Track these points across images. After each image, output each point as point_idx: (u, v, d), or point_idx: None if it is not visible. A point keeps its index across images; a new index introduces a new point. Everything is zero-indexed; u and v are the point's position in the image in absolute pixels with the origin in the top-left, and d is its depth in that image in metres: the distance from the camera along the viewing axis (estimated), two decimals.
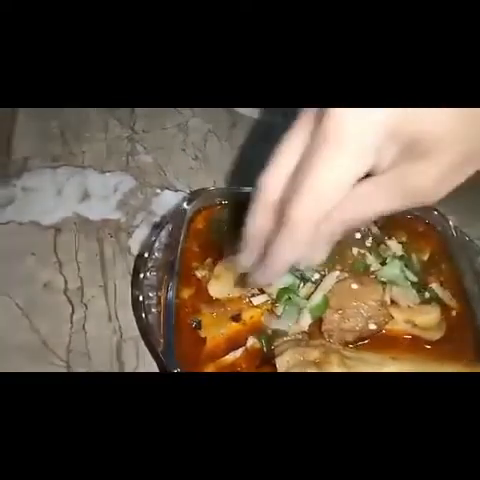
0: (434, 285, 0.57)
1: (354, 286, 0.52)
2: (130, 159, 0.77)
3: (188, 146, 0.81)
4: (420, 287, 0.56)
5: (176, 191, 0.73)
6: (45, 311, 0.59)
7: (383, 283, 0.53)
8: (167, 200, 0.72)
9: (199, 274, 0.55)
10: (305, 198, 0.30)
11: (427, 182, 0.31)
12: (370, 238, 0.58)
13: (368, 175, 0.31)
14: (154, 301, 0.50)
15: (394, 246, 0.59)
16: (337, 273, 0.53)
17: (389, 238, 0.60)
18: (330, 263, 0.55)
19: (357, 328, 0.50)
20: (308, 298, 0.52)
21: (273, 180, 0.33)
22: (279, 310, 0.52)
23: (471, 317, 0.55)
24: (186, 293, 0.54)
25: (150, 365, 0.54)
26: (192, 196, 0.61)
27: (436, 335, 0.53)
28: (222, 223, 0.60)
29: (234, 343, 0.51)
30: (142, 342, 0.56)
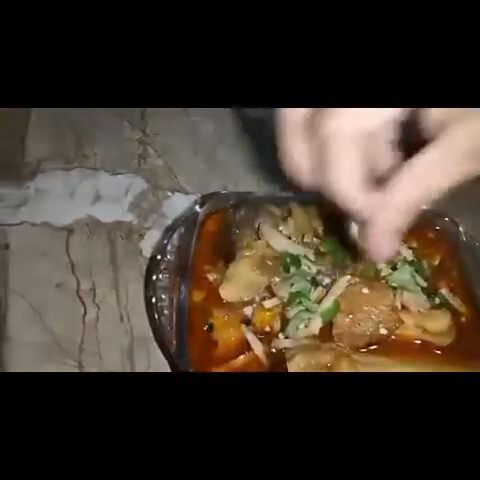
0: (444, 291, 0.57)
1: (365, 291, 0.52)
2: (142, 162, 0.78)
3: (199, 149, 0.82)
4: (430, 292, 0.56)
5: (187, 194, 0.74)
6: (58, 311, 0.60)
7: (393, 288, 0.53)
8: (178, 203, 0.73)
9: (211, 277, 0.56)
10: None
11: None
12: None
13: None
14: (166, 303, 0.51)
15: (404, 251, 0.59)
16: (348, 277, 0.53)
17: (400, 244, 0.60)
18: (341, 268, 0.55)
19: (368, 332, 0.50)
20: (319, 302, 0.52)
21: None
22: (290, 314, 0.52)
23: None
24: (198, 296, 0.55)
25: (161, 366, 0.55)
26: (204, 199, 0.61)
27: (446, 340, 0.53)
28: (233, 226, 0.60)
29: (245, 346, 0.51)
30: (153, 343, 0.56)
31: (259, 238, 0.57)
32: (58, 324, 0.58)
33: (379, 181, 0.35)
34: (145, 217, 0.71)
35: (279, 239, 0.56)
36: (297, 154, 0.35)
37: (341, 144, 0.32)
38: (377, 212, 0.34)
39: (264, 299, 0.54)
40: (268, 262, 0.55)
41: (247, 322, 0.53)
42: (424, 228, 0.64)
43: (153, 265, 0.55)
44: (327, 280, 0.54)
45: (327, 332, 0.52)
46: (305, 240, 0.59)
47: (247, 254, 0.55)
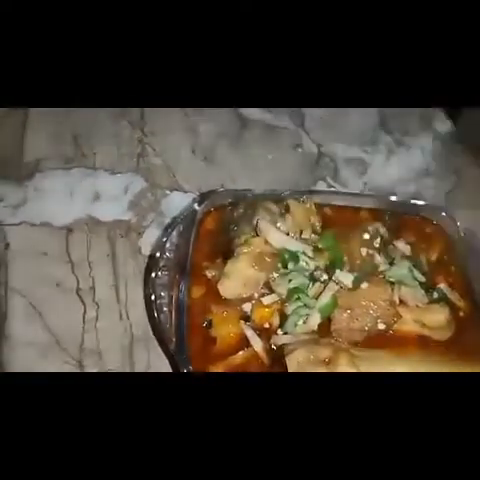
0: (442, 285, 0.57)
1: (363, 286, 0.52)
2: (140, 161, 0.79)
3: (197, 148, 0.82)
4: (428, 287, 0.56)
5: (185, 192, 0.74)
6: (58, 310, 0.60)
7: (391, 283, 0.54)
8: (176, 201, 0.73)
9: (209, 274, 0.56)
10: None
11: None
12: (378, 239, 0.58)
13: None
14: (166, 300, 0.51)
15: (402, 247, 0.59)
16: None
17: (397, 239, 0.60)
18: (339, 263, 0.55)
19: (366, 327, 0.51)
20: (317, 298, 0.53)
21: None
22: (289, 310, 0.52)
23: (479, 317, 0.55)
24: (197, 293, 0.55)
25: (161, 363, 0.55)
26: (202, 197, 0.62)
27: (445, 335, 0.53)
28: (232, 223, 0.61)
29: (244, 342, 0.51)
30: (153, 341, 0.57)
31: (257, 235, 0.57)
32: (58, 323, 0.59)
33: None
34: (144, 215, 0.71)
35: (277, 235, 0.56)
36: None
37: None
38: None
39: (263, 295, 0.54)
40: (266, 258, 0.55)
41: (246, 318, 0.53)
42: (422, 223, 0.64)
43: (152, 263, 0.56)
44: (325, 276, 0.54)
45: (326, 327, 0.52)
46: (303, 236, 0.59)
47: (245, 251, 0.55)
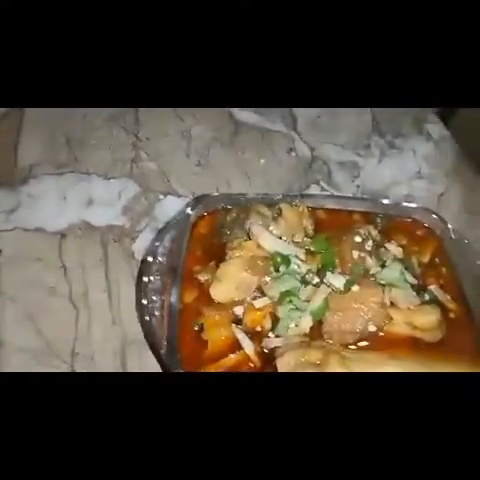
0: (433, 287, 0.57)
1: (354, 288, 0.52)
2: (134, 166, 0.79)
3: (191, 153, 0.82)
4: (419, 289, 0.56)
5: (179, 197, 0.75)
6: (50, 315, 0.60)
7: (383, 285, 0.54)
8: (170, 206, 0.73)
9: (202, 278, 0.56)
10: None
11: None
12: (370, 241, 0.58)
13: None
14: (158, 305, 0.51)
15: (394, 249, 0.59)
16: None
17: (389, 241, 0.61)
18: (331, 266, 0.55)
19: (357, 330, 0.51)
20: (309, 301, 0.53)
21: None
22: (280, 313, 0.52)
23: (470, 319, 0.56)
24: (189, 297, 0.55)
25: (153, 368, 0.55)
26: (195, 202, 0.62)
27: (436, 336, 0.53)
28: (225, 227, 0.61)
29: (236, 345, 0.51)
30: (146, 345, 0.56)
31: (249, 239, 0.57)
32: (51, 328, 0.59)
33: None
34: (137, 220, 0.71)
35: (269, 239, 0.56)
36: None
37: None
38: None
39: (255, 299, 0.54)
40: (259, 262, 0.55)
41: (238, 322, 0.53)
42: (413, 226, 0.65)
43: (144, 267, 0.56)
44: (317, 279, 0.55)
45: (317, 330, 0.52)
46: (295, 239, 0.59)
47: (237, 255, 0.56)
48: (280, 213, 0.61)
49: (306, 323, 0.51)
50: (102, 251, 0.67)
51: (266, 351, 0.51)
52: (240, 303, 0.54)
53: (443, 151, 0.89)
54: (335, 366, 0.47)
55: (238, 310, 0.54)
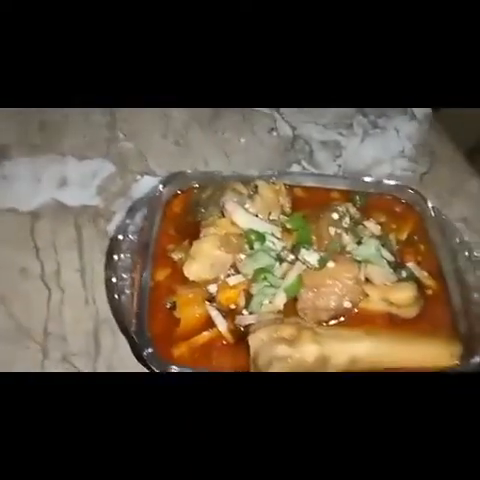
0: (411, 264, 0.57)
1: (329, 265, 0.51)
2: (110, 146, 0.77)
3: (169, 133, 0.81)
4: (397, 266, 0.56)
5: (156, 177, 0.73)
6: (21, 296, 0.59)
7: (359, 262, 0.53)
8: (147, 186, 0.71)
9: (175, 256, 0.55)
10: None
11: None
12: (347, 218, 0.57)
13: None
14: (128, 283, 0.50)
15: (372, 226, 0.58)
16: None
17: (368, 219, 0.60)
18: (307, 243, 0.54)
19: (331, 306, 0.50)
20: (284, 278, 0.52)
21: None
22: (254, 290, 0.51)
23: (447, 295, 0.55)
24: (161, 275, 0.54)
25: (127, 347, 0.54)
26: (168, 179, 0.60)
27: (412, 312, 0.53)
28: (200, 206, 0.59)
29: (209, 323, 0.51)
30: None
31: (224, 216, 0.56)
32: (22, 308, 0.57)
33: None
34: (113, 201, 0.70)
35: (243, 216, 0.55)
36: None
37: None
38: None
39: (229, 276, 0.53)
40: (233, 240, 0.54)
41: (212, 300, 0.52)
42: (392, 203, 0.64)
43: (114, 245, 0.54)
44: (292, 256, 0.54)
45: (292, 307, 0.51)
46: (271, 217, 0.58)
47: (211, 232, 0.54)
48: (256, 190, 0.60)
49: (280, 300, 0.50)
50: (76, 232, 0.65)
51: (241, 328, 0.51)
52: (214, 281, 0.53)
53: (427, 131, 0.88)
54: (307, 342, 0.46)
55: (212, 288, 0.53)
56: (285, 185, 0.62)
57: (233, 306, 0.52)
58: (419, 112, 0.90)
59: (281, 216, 0.59)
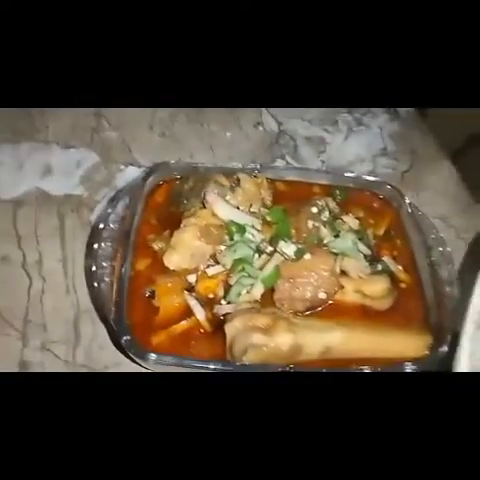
0: (386, 258, 0.58)
1: (306, 256, 0.53)
2: (95, 135, 0.77)
3: (155, 123, 0.81)
4: (373, 260, 0.57)
5: (140, 167, 0.73)
6: (2, 284, 0.59)
7: (335, 254, 0.54)
8: (131, 176, 0.72)
9: (156, 246, 0.56)
10: None
11: None
12: (326, 212, 0.59)
13: None
14: (107, 271, 0.51)
15: (350, 221, 0.60)
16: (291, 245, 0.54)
17: (346, 214, 0.61)
18: (285, 236, 0.56)
19: (307, 297, 0.51)
20: (262, 269, 0.53)
21: None
22: (233, 280, 0.52)
23: (420, 289, 0.57)
24: (142, 264, 0.55)
25: (107, 336, 0.55)
26: (151, 170, 0.61)
27: (385, 304, 0.54)
28: (182, 196, 0.60)
29: (188, 312, 0.51)
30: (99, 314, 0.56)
31: (205, 207, 0.57)
32: (2, 297, 0.58)
33: None
34: (96, 190, 0.70)
35: (224, 208, 0.56)
36: None
37: None
38: None
39: (208, 267, 0.54)
40: (213, 231, 0.55)
41: (191, 289, 0.53)
42: (371, 199, 0.65)
43: (95, 234, 0.55)
44: (271, 248, 0.55)
45: (270, 298, 0.53)
46: (252, 209, 0.59)
47: (192, 223, 0.55)
48: (238, 183, 0.61)
49: (257, 290, 0.52)
50: (58, 221, 0.66)
51: (219, 318, 0.52)
52: (194, 271, 0.54)
53: (409, 129, 0.90)
54: (282, 332, 0.48)
55: (191, 278, 0.54)
56: (267, 179, 0.63)
57: (212, 296, 0.53)
58: (403, 111, 0.92)
59: (262, 209, 0.60)
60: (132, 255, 0.54)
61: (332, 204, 0.61)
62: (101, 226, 0.54)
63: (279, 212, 0.58)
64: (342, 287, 0.53)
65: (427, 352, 0.50)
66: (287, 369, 0.46)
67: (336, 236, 0.57)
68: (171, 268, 0.54)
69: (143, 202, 0.58)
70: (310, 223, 0.56)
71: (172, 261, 0.54)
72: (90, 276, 0.52)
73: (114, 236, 0.53)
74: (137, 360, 0.47)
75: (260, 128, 0.84)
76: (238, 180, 0.61)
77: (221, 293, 0.53)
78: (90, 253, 0.54)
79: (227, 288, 0.53)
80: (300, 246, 0.53)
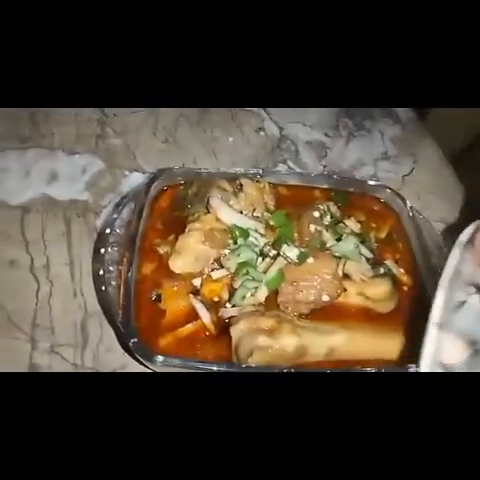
0: (388, 261, 0.59)
1: (309, 260, 0.54)
2: (100, 142, 0.78)
3: (158, 130, 0.82)
4: (375, 263, 0.58)
5: (145, 173, 0.75)
6: (10, 288, 0.60)
7: (338, 258, 0.55)
8: (136, 182, 0.73)
9: (161, 250, 0.57)
10: None
11: None
12: (328, 216, 0.60)
13: None
14: (114, 275, 0.52)
15: (352, 225, 0.61)
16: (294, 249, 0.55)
17: (348, 218, 0.62)
18: (288, 240, 0.57)
19: (311, 299, 0.52)
20: (266, 272, 0.54)
21: None
22: (237, 284, 0.53)
23: (422, 292, 0.58)
24: (148, 268, 0.56)
25: (114, 339, 0.56)
26: (156, 175, 0.62)
27: (387, 307, 0.55)
28: (186, 201, 0.61)
29: (193, 315, 0.52)
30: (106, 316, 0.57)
31: (209, 212, 0.58)
32: (11, 300, 0.59)
33: None
34: (102, 196, 0.71)
35: (227, 212, 0.57)
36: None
37: None
38: None
39: (213, 270, 0.55)
40: (217, 235, 0.56)
41: (196, 292, 0.54)
42: (372, 202, 0.66)
43: (102, 239, 0.56)
44: (274, 251, 0.56)
45: (274, 301, 0.53)
46: (255, 214, 0.60)
47: (196, 227, 0.56)
48: (241, 188, 0.62)
49: (261, 293, 0.53)
50: (65, 226, 0.67)
51: (224, 320, 0.52)
52: (198, 275, 0.55)
53: (410, 133, 0.91)
54: (287, 334, 0.48)
55: (196, 281, 0.55)
56: (270, 183, 0.64)
57: (216, 299, 0.54)
58: (404, 115, 0.93)
59: (265, 213, 0.61)
60: (138, 259, 0.55)
61: (334, 208, 0.62)
62: (107, 231, 0.55)
63: (282, 216, 0.59)
64: (345, 290, 0.54)
65: None
66: (292, 370, 0.47)
67: (338, 240, 0.58)
68: (176, 272, 0.55)
69: (148, 207, 0.59)
70: (312, 227, 0.57)
71: (177, 265, 0.55)
72: (98, 280, 0.53)
73: (120, 241, 0.54)
74: (144, 362, 0.48)
75: (262, 133, 0.85)
76: (241, 185, 0.62)
77: (226, 296, 0.54)
78: (97, 257, 0.55)
79: (232, 291, 0.54)
80: (303, 250, 0.54)
